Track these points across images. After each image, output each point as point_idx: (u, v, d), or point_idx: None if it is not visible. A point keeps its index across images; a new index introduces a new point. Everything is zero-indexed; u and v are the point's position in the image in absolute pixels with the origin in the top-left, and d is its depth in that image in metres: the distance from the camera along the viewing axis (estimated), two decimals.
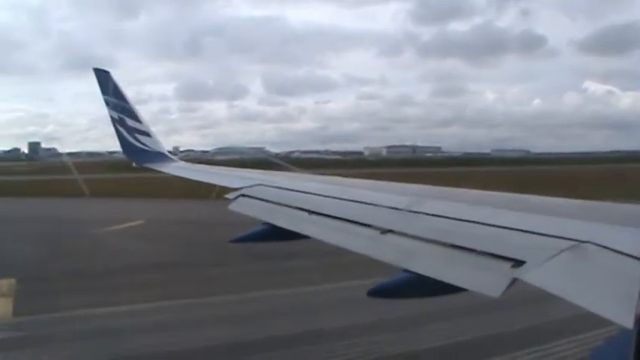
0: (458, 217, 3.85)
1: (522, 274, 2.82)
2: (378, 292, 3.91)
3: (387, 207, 4.53)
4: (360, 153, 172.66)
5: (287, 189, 6.20)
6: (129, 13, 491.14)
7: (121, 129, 11.90)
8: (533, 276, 2.75)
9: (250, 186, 6.72)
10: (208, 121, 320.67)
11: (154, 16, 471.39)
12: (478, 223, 3.63)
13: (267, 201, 5.97)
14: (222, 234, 6.85)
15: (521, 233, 3.27)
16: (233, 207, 6.35)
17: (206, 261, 20.68)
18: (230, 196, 6.66)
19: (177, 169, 11.09)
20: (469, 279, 3.10)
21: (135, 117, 11.90)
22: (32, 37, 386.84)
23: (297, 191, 5.98)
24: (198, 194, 29.35)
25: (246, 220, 5.78)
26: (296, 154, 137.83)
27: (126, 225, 30.02)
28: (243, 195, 6.48)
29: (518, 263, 2.92)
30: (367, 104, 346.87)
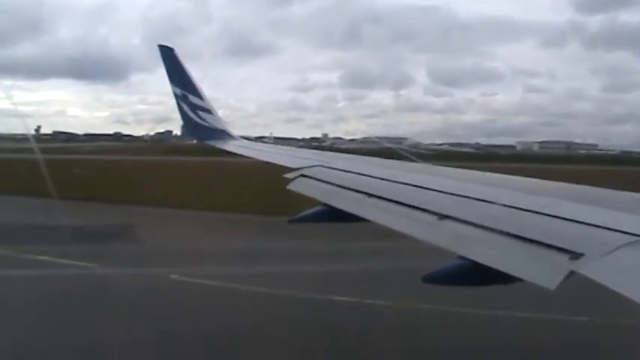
0: (516, 205, 3.85)
1: (580, 266, 2.81)
2: (433, 279, 3.99)
3: (445, 192, 4.58)
4: (513, 147, 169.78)
5: (346, 171, 6.35)
6: (289, 2, 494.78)
7: (183, 105, 12.23)
8: (591, 269, 2.75)
9: (310, 166, 6.91)
10: (374, 109, 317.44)
11: (313, 5, 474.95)
12: (536, 212, 3.62)
13: (326, 182, 6.12)
14: None
15: (580, 225, 3.24)
16: (292, 187, 6.56)
17: None
18: (289, 175, 6.88)
19: (238, 146, 11.36)
20: (525, 269, 3.11)
21: (197, 94, 12.18)
22: (196, 24, 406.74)
23: (357, 173, 6.10)
24: None
25: None
26: (444, 147, 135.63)
27: None
28: (303, 175, 6.68)
29: (576, 256, 2.91)
30: (535, 97, 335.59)
